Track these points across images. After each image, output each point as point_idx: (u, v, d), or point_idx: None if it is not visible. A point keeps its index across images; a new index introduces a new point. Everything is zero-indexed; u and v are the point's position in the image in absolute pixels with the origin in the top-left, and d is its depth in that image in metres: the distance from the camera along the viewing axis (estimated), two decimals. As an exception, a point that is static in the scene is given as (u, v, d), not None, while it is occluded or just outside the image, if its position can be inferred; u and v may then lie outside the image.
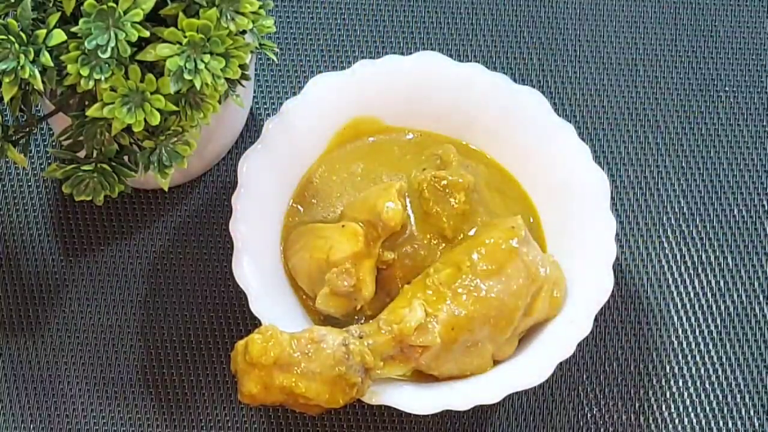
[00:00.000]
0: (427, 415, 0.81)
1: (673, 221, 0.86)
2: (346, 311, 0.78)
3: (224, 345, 0.82)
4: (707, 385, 0.83)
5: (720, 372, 0.83)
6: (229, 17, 0.69)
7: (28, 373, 0.82)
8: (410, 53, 0.86)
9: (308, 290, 0.80)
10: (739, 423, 0.82)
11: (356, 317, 0.79)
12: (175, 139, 0.72)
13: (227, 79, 0.71)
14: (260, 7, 0.71)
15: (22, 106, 0.72)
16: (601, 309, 0.78)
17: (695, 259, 0.85)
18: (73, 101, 0.73)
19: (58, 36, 0.68)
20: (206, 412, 0.81)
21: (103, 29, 0.67)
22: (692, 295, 0.85)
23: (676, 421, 0.82)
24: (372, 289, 0.78)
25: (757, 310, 0.84)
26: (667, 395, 0.82)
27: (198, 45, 0.68)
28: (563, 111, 0.88)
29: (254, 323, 0.82)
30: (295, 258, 0.80)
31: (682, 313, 0.84)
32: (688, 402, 0.82)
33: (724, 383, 0.83)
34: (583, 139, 0.86)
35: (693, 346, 0.83)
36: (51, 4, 0.70)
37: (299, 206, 0.82)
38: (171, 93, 0.69)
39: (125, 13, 0.67)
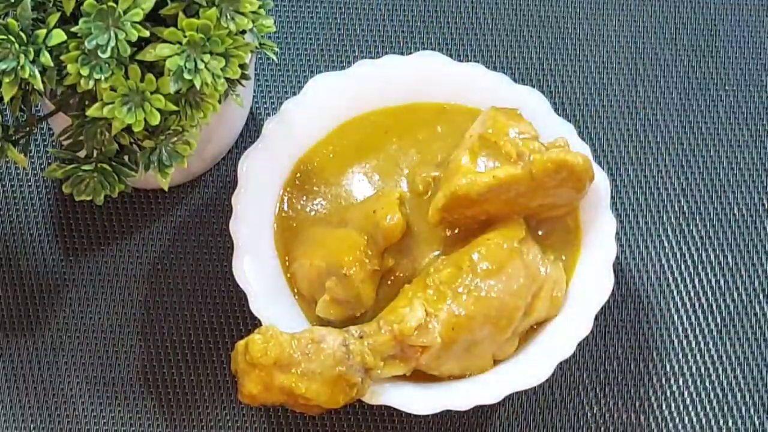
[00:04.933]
0: (428, 415, 0.81)
1: (673, 220, 0.86)
2: (345, 318, 0.78)
3: (224, 345, 0.82)
4: (707, 384, 0.83)
5: (720, 371, 0.83)
6: (229, 17, 0.69)
7: (28, 373, 0.82)
8: (410, 53, 0.86)
9: (308, 296, 0.79)
10: (739, 422, 0.82)
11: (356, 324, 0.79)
12: (175, 138, 0.72)
13: (227, 79, 0.71)
14: (260, 7, 0.71)
15: (22, 106, 0.72)
16: (602, 308, 0.78)
17: (695, 258, 0.85)
18: (73, 101, 0.73)
19: (58, 36, 0.68)
20: (206, 412, 0.81)
21: (102, 29, 0.67)
22: (692, 294, 0.84)
23: (677, 420, 0.82)
24: (372, 298, 0.78)
25: (757, 309, 0.84)
26: (668, 394, 0.82)
27: (198, 45, 0.68)
28: (563, 110, 0.88)
29: (254, 323, 0.82)
30: (295, 264, 0.80)
31: (682, 312, 0.84)
32: (688, 401, 0.82)
33: (724, 382, 0.83)
34: (583, 139, 0.86)
35: (693, 345, 0.83)
36: (51, 4, 0.70)
37: (295, 197, 0.81)
38: (171, 93, 0.69)
39: (125, 12, 0.67)
